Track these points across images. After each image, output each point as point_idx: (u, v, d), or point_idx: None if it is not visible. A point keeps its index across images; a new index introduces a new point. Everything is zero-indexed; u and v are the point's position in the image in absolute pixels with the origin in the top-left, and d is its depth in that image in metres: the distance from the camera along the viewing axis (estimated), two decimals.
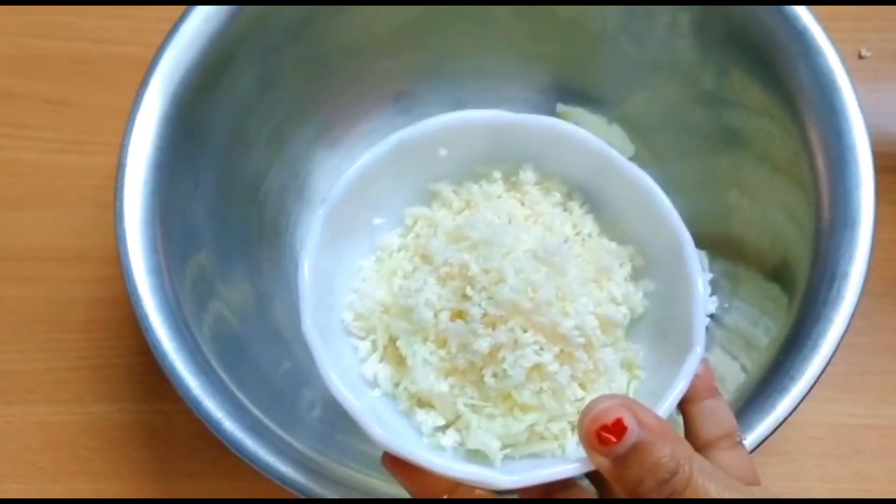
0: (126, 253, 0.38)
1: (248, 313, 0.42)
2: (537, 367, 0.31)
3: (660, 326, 0.34)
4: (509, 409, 0.32)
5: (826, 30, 0.40)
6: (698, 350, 0.31)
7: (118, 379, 0.47)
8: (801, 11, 0.40)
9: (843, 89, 0.40)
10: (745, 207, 0.43)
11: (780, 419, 0.36)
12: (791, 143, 0.40)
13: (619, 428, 0.26)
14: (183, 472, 0.45)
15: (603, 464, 0.27)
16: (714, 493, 0.26)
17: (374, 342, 0.34)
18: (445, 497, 0.31)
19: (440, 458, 0.31)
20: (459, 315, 0.32)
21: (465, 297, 0.31)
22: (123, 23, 0.52)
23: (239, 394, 0.37)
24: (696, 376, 0.32)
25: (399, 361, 0.33)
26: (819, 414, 0.46)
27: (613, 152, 0.34)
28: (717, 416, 0.32)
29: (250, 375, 0.39)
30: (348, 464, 0.37)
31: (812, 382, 0.36)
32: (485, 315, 0.31)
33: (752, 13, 0.41)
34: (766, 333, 0.40)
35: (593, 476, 0.33)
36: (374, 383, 0.33)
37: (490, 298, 0.31)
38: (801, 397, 0.36)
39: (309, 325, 0.32)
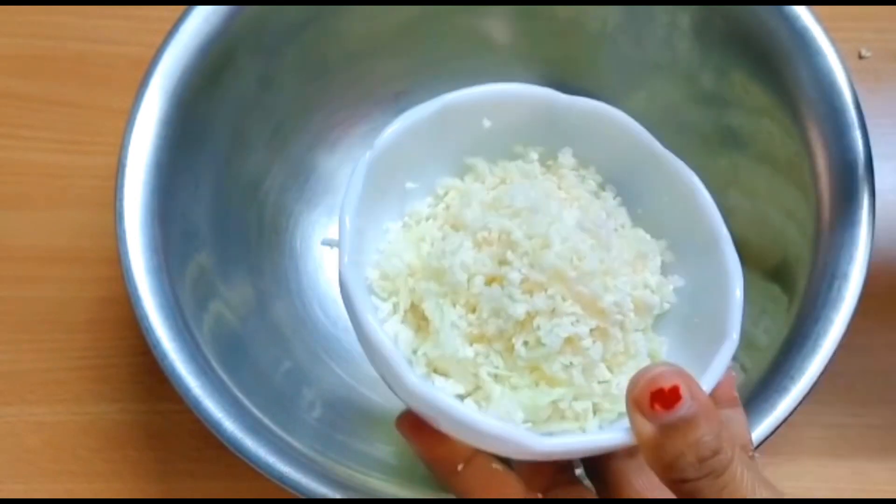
0: (126, 253, 0.38)
1: (248, 313, 0.42)
2: (570, 340, 0.30)
3: (686, 322, 0.33)
4: (535, 381, 0.31)
5: (826, 30, 0.40)
6: (734, 337, 0.31)
7: (118, 379, 0.46)
8: (801, 11, 0.40)
9: (843, 89, 0.40)
10: (745, 207, 0.43)
11: (780, 419, 0.36)
12: (791, 144, 0.40)
13: (674, 395, 0.26)
14: (183, 472, 0.45)
15: (646, 431, 0.26)
16: (748, 481, 0.25)
17: (395, 305, 0.33)
18: (460, 468, 0.30)
19: (480, 413, 0.29)
20: (494, 280, 0.31)
21: (502, 262, 0.30)
22: (123, 23, 0.52)
23: (239, 394, 0.37)
24: (718, 384, 0.31)
25: (419, 327, 0.32)
26: (819, 414, 0.46)
27: (657, 143, 0.34)
28: (732, 426, 0.31)
29: (250, 375, 0.39)
30: (348, 464, 0.37)
31: (812, 382, 0.36)
32: (524, 280, 0.30)
33: (753, 13, 0.41)
34: (766, 333, 0.40)
35: (594, 475, 0.33)
36: (394, 343, 0.33)
37: (532, 264, 0.30)
38: (801, 397, 0.36)
39: (347, 262, 0.30)
